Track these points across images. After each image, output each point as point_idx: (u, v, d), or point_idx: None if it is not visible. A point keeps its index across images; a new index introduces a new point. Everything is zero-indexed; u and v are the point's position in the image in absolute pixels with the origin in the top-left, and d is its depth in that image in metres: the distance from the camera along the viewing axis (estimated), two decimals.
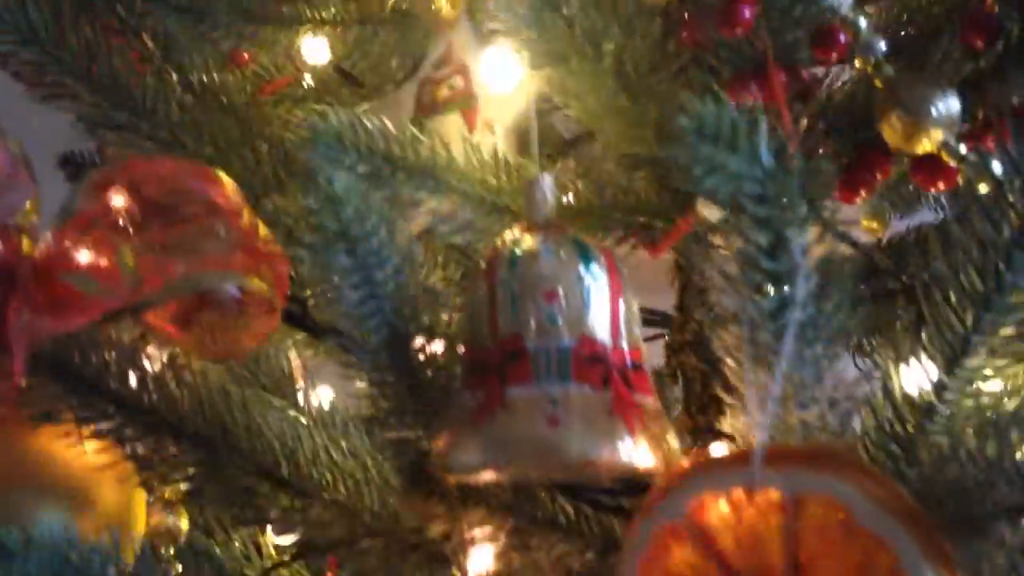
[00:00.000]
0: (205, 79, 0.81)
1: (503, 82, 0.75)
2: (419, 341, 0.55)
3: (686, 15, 0.63)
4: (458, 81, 0.79)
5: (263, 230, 0.58)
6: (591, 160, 0.82)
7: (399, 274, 0.52)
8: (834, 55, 0.57)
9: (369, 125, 0.59)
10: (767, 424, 0.40)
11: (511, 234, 0.55)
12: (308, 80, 0.94)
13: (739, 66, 0.60)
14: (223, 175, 0.60)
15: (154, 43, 0.79)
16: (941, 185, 0.61)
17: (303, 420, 0.80)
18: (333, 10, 0.90)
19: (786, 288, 0.41)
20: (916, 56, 0.61)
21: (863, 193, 0.65)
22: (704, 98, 0.38)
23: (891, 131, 0.59)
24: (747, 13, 0.54)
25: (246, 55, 0.94)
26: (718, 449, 0.48)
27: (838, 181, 0.65)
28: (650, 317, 0.92)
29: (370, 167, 0.58)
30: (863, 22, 0.59)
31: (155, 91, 0.73)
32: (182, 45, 0.81)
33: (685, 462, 0.44)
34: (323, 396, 0.90)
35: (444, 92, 0.79)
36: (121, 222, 0.54)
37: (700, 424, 0.84)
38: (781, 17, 0.56)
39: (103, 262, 0.54)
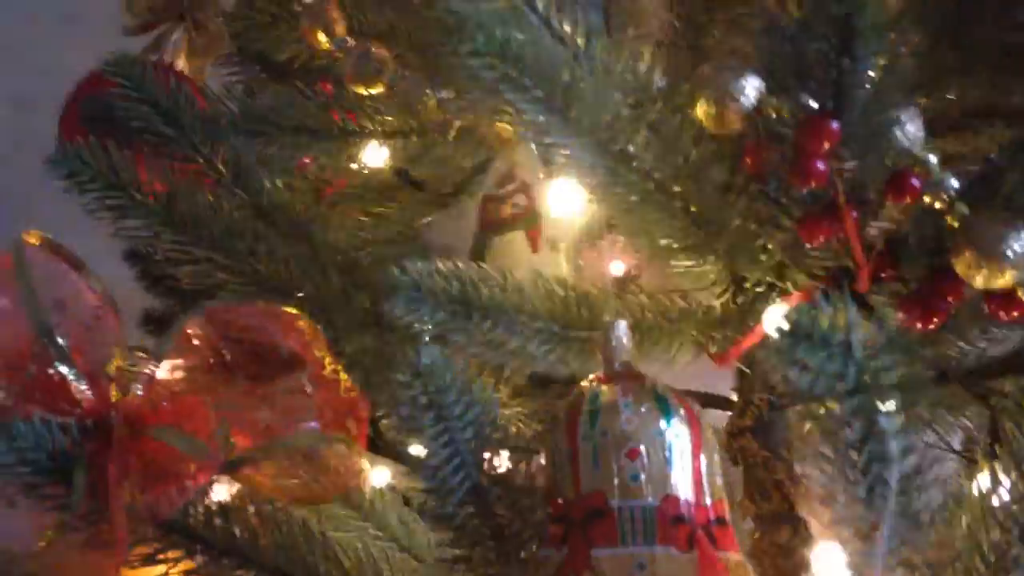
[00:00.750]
0: (273, 198, 0.83)
1: (567, 204, 0.76)
2: (499, 489, 0.55)
3: (754, 146, 0.64)
4: (521, 199, 0.80)
5: (343, 376, 0.59)
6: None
7: (481, 430, 0.53)
8: (907, 199, 0.58)
9: (444, 269, 0.61)
10: None
11: (590, 385, 0.56)
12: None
13: (809, 204, 0.60)
14: (302, 318, 0.61)
15: (223, 166, 0.82)
16: (1016, 316, 0.61)
17: (372, 530, 0.81)
18: (395, 123, 0.92)
19: (879, 469, 0.41)
20: (988, 190, 0.61)
21: (936, 320, 0.65)
22: (799, 303, 0.38)
23: (965, 268, 0.59)
24: (821, 166, 0.55)
25: (308, 160, 0.97)
26: None
27: (910, 307, 0.65)
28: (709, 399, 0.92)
29: (447, 313, 0.59)
30: (934, 160, 0.60)
31: (228, 223, 0.75)
32: (250, 166, 0.84)
33: None
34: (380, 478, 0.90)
35: (508, 210, 0.80)
36: (211, 377, 0.56)
37: (764, 510, 0.84)
38: (856, 159, 0.57)
39: (193, 418, 0.55)
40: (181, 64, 0.99)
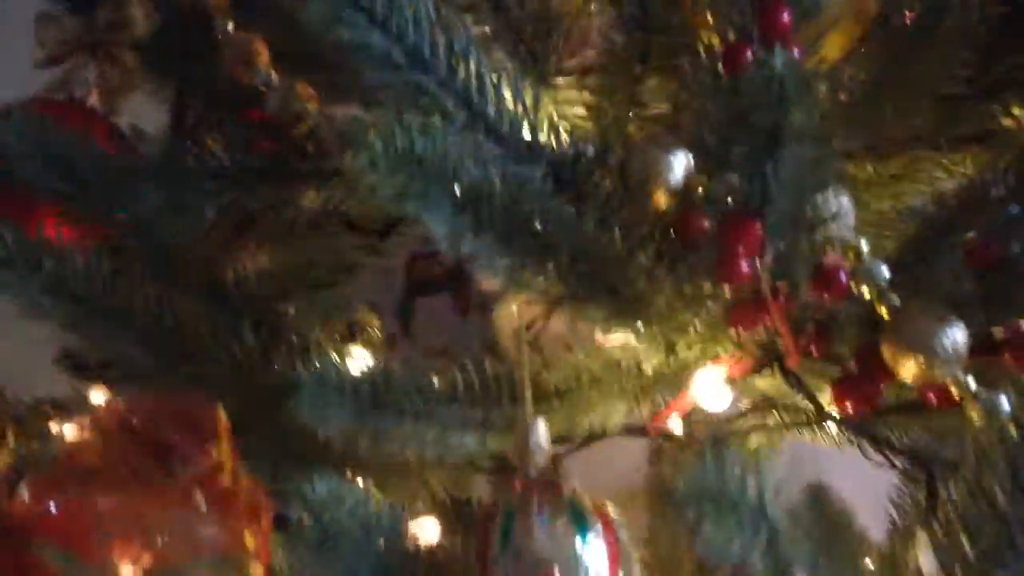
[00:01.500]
0: (184, 253, 0.79)
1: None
2: None
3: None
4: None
5: (245, 480, 0.55)
6: None
7: (386, 558, 0.50)
8: (835, 294, 0.56)
9: (354, 363, 0.57)
10: None
11: (504, 494, 0.53)
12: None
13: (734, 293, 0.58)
14: (202, 412, 0.58)
15: (129, 221, 0.77)
16: (948, 406, 0.59)
17: None
18: (322, 161, 0.88)
19: None
20: (919, 278, 0.59)
21: (864, 404, 0.63)
22: (708, 457, 0.36)
23: (894, 360, 0.57)
24: (746, 267, 0.52)
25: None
26: None
27: (837, 389, 0.63)
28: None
29: (354, 408, 0.56)
30: (865, 247, 0.57)
31: (127, 289, 0.70)
32: (160, 218, 0.79)
33: None
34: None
35: (436, 269, 0.77)
36: (104, 483, 0.52)
37: None
38: (782, 255, 0.54)
39: (80, 533, 0.51)
40: (93, 100, 0.93)
